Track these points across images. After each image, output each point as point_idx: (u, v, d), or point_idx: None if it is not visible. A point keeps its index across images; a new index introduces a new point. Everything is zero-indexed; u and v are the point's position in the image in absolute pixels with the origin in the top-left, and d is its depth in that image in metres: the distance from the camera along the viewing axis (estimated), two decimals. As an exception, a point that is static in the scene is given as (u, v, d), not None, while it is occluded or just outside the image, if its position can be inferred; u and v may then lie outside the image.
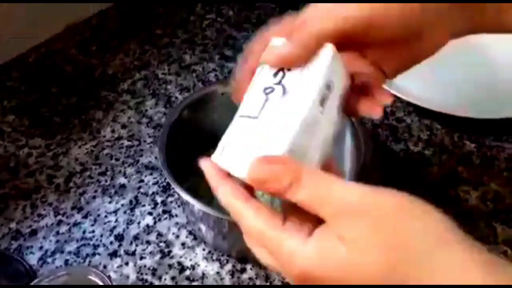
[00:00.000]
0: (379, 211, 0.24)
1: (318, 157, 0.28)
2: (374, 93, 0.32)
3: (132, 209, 0.51)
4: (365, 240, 0.23)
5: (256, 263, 0.46)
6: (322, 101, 0.28)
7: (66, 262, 0.47)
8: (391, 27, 0.29)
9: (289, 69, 0.28)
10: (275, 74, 0.28)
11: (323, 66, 0.28)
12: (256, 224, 0.26)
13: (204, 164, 0.29)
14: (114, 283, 0.45)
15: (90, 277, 0.35)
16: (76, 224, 0.50)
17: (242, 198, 0.26)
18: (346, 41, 0.30)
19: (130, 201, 0.52)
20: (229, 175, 0.27)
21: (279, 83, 0.28)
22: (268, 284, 0.46)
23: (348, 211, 0.24)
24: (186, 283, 0.46)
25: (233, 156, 0.27)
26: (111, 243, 0.48)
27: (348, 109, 0.32)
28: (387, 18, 0.29)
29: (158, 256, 0.47)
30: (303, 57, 0.28)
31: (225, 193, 0.27)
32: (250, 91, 0.29)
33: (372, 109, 0.31)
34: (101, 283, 0.35)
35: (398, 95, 0.59)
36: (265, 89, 0.28)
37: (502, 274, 0.22)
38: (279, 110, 0.27)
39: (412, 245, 0.23)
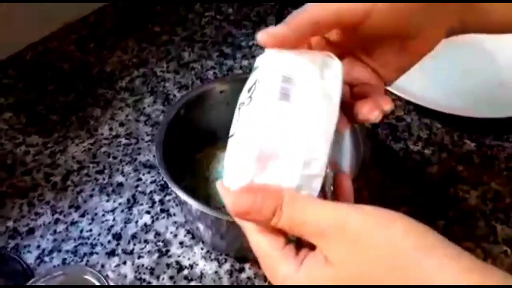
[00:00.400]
0: (355, 227, 0.25)
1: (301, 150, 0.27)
2: (374, 98, 0.32)
3: (129, 208, 0.51)
4: (348, 259, 0.24)
5: (255, 263, 0.46)
6: (285, 96, 0.28)
7: (64, 261, 0.47)
8: (387, 20, 0.30)
9: (258, 81, 0.29)
10: (249, 90, 0.29)
11: (269, 63, 0.29)
12: (260, 241, 0.27)
13: (222, 189, 0.29)
14: (111, 283, 0.45)
15: (86, 276, 0.35)
16: (73, 223, 0.50)
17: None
18: (345, 35, 0.31)
19: (128, 200, 0.52)
20: None
21: (250, 96, 0.29)
22: (266, 283, 0.45)
23: (327, 232, 0.25)
24: (184, 282, 0.45)
25: (232, 174, 0.28)
26: (108, 242, 0.48)
27: (348, 115, 0.32)
28: (384, 11, 0.29)
29: (156, 255, 0.47)
30: (294, 40, 0.29)
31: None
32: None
33: (370, 112, 0.31)
34: (97, 283, 0.35)
35: (398, 93, 0.59)
36: (239, 104, 0.29)
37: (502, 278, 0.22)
38: (244, 121, 0.28)
39: (395, 254, 0.23)
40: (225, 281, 0.45)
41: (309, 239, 0.25)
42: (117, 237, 0.49)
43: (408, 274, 0.23)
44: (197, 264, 0.46)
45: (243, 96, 0.30)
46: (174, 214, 0.50)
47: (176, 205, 0.51)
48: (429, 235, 0.24)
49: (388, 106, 0.31)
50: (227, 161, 0.29)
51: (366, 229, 0.24)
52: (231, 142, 0.29)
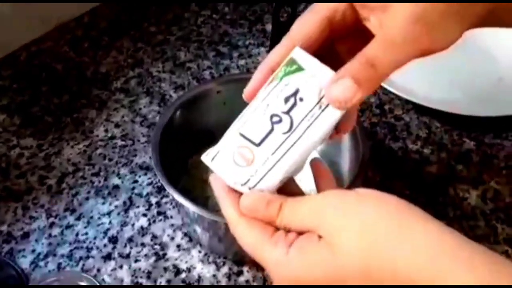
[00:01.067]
0: (350, 205, 0.26)
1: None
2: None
3: (126, 211, 0.50)
4: (340, 236, 0.25)
5: (253, 266, 0.46)
6: (323, 140, 0.29)
7: (59, 265, 0.46)
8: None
9: (301, 99, 0.28)
10: (287, 100, 0.28)
11: (334, 118, 0.28)
12: (248, 233, 0.27)
13: (213, 179, 0.30)
14: None
15: (81, 283, 0.34)
16: (68, 226, 0.49)
17: (239, 211, 0.28)
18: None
19: (124, 202, 0.51)
20: (234, 189, 0.29)
21: (288, 112, 0.28)
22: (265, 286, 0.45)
23: (320, 214, 0.26)
24: (181, 286, 0.45)
25: (225, 166, 0.29)
26: (104, 245, 0.47)
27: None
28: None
29: (153, 259, 0.46)
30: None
31: (225, 205, 0.29)
32: (257, 108, 0.29)
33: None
34: (93, 289, 0.34)
35: (397, 92, 0.58)
36: (272, 116, 0.28)
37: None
38: (280, 148, 0.28)
39: (381, 231, 0.24)
40: (223, 284, 0.45)
41: (306, 228, 0.26)
42: (113, 240, 0.48)
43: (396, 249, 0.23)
44: (194, 268, 0.46)
45: (278, 104, 0.28)
46: (171, 217, 0.50)
47: (173, 207, 0.50)
48: (420, 216, 0.25)
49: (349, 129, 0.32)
50: (227, 151, 0.29)
51: (361, 206, 0.25)
52: (246, 143, 0.28)
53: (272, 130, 0.28)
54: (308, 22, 0.30)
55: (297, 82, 0.28)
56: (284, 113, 0.28)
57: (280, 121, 0.28)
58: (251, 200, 0.28)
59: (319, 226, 0.26)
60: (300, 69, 0.28)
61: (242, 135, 0.29)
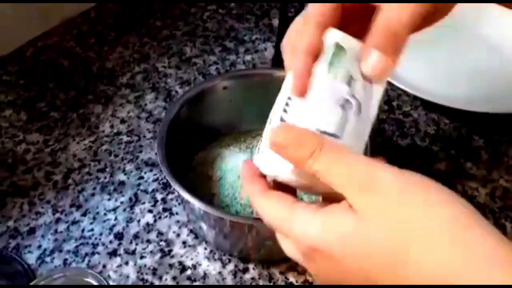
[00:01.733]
0: (387, 183, 0.25)
1: None
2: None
3: (131, 207, 0.50)
4: (374, 214, 0.24)
5: (259, 263, 0.45)
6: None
7: (65, 261, 0.46)
8: None
9: (354, 79, 0.28)
10: (347, 81, 0.28)
11: (381, 91, 0.29)
12: (267, 203, 0.27)
13: (245, 164, 0.30)
14: (114, 284, 0.44)
15: (87, 279, 0.34)
16: (74, 222, 0.49)
17: (261, 189, 0.28)
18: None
19: (130, 199, 0.51)
20: (261, 175, 0.29)
21: (353, 95, 0.28)
22: (271, 284, 0.45)
23: (361, 184, 0.24)
24: (187, 283, 0.44)
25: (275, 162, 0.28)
26: (110, 242, 0.47)
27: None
28: None
29: (158, 256, 0.46)
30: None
31: (249, 188, 0.29)
32: (315, 94, 0.28)
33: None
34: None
35: (405, 88, 0.58)
36: (339, 100, 0.28)
37: None
38: (357, 134, 0.28)
39: (422, 224, 0.23)
40: (229, 281, 0.45)
41: (337, 189, 0.25)
42: (119, 236, 0.48)
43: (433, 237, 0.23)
44: (200, 265, 0.46)
45: (339, 85, 0.28)
46: (177, 213, 0.49)
47: (179, 204, 0.50)
48: (464, 208, 0.24)
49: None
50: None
51: (400, 187, 0.24)
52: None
53: (347, 119, 0.28)
54: (321, 2, 0.30)
55: (345, 63, 0.28)
56: (352, 96, 0.28)
57: (350, 105, 0.28)
58: (281, 134, 0.26)
59: (350, 197, 0.24)
60: (343, 49, 0.28)
61: (319, 130, 0.28)
